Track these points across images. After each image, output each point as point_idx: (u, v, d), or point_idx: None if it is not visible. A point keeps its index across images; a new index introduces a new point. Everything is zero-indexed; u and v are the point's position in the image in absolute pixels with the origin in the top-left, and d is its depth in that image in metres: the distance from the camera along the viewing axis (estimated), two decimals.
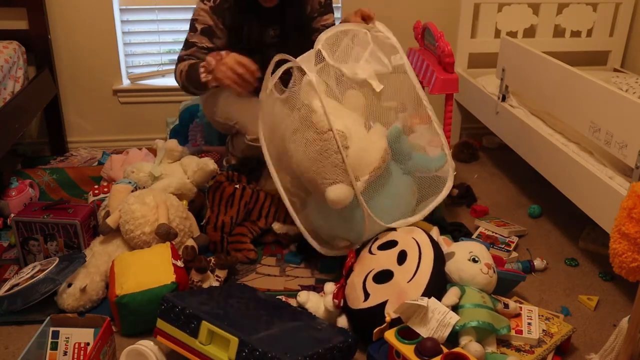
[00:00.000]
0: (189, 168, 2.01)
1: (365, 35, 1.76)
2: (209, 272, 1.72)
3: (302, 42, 2.08)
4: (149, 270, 1.57)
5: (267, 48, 2.07)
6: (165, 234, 1.67)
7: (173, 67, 2.74)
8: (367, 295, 1.47)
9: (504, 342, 1.46)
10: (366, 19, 1.90)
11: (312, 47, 1.75)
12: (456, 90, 1.91)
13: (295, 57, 1.68)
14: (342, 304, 1.52)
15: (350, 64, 1.70)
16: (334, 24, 2.12)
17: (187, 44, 2.03)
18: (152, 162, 2.17)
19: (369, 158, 1.60)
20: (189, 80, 1.96)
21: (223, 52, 1.86)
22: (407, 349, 1.27)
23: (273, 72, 1.78)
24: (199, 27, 2.00)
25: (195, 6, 2.03)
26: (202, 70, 1.88)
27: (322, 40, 1.71)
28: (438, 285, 1.44)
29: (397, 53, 1.76)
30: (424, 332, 1.31)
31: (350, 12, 1.96)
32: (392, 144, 1.68)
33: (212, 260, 1.76)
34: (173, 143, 2.13)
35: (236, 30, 2.03)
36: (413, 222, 1.67)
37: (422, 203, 1.77)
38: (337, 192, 1.55)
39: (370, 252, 1.59)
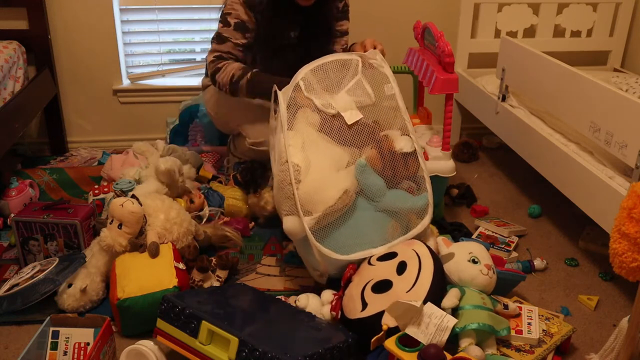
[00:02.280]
0: (157, 171, 2.02)
1: (357, 64, 1.72)
2: (210, 272, 1.72)
3: (321, 45, 2.08)
4: (151, 273, 1.57)
5: (286, 49, 2.05)
6: (154, 252, 1.65)
7: (172, 67, 2.76)
8: (365, 305, 1.46)
9: (504, 342, 1.46)
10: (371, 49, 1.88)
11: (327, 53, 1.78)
12: (456, 90, 1.91)
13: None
14: (339, 316, 1.52)
15: (327, 95, 1.67)
16: (347, 32, 2.14)
17: (221, 38, 1.97)
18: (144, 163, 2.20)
19: (325, 195, 1.57)
20: (254, 87, 1.92)
21: None
22: (410, 357, 1.26)
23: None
24: (232, 21, 1.96)
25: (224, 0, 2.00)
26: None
27: (303, 72, 1.68)
28: (437, 296, 1.42)
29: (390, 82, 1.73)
30: (422, 337, 1.30)
31: (358, 41, 1.95)
32: (359, 180, 1.63)
33: (213, 260, 1.76)
34: (143, 145, 2.22)
35: (263, 28, 1.99)
36: (377, 253, 1.59)
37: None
38: (289, 223, 1.57)
39: (369, 263, 1.58)
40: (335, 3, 2.08)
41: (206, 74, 2.20)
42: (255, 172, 2.04)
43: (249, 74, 1.93)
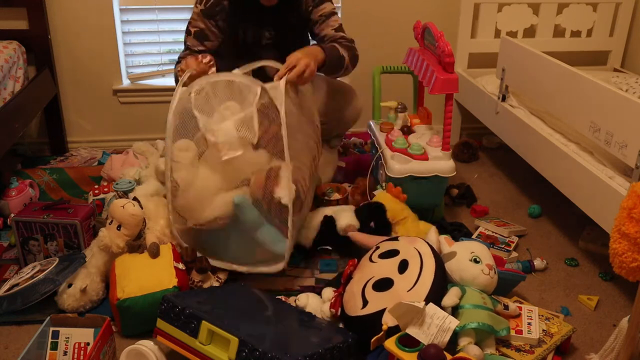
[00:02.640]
0: (157, 171, 2.02)
1: (255, 95, 1.60)
2: (209, 272, 1.72)
3: (298, 42, 2.09)
4: (151, 273, 1.57)
5: (262, 50, 2.07)
6: (155, 252, 1.65)
7: (173, 67, 2.77)
8: (365, 303, 1.46)
9: (503, 342, 1.46)
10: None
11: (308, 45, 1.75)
12: (456, 90, 1.91)
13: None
14: (339, 313, 1.52)
15: (213, 119, 1.61)
16: (334, 13, 2.10)
17: (185, 46, 2.08)
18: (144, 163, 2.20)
19: (197, 215, 1.65)
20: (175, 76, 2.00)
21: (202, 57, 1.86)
22: (410, 357, 1.26)
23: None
24: (192, 30, 2.04)
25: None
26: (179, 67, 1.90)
27: (201, 82, 1.64)
28: (438, 296, 1.43)
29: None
30: (423, 338, 1.30)
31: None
32: (236, 213, 1.64)
33: None
34: (143, 145, 2.24)
35: (231, 32, 2.04)
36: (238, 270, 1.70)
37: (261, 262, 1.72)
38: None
39: (370, 260, 1.58)
40: None
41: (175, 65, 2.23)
42: None
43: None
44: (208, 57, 1.85)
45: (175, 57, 2.75)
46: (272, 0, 1.97)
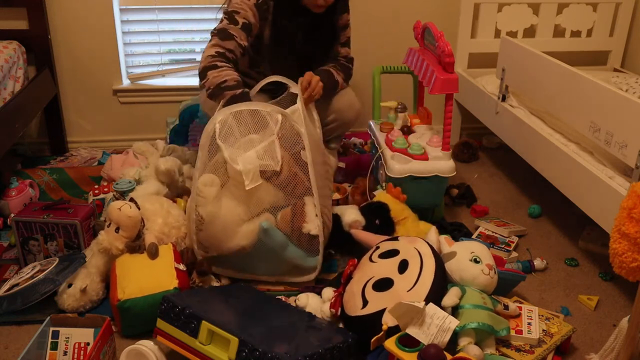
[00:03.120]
0: (157, 171, 2.02)
1: (277, 122, 1.63)
2: (210, 275, 1.72)
3: (327, 49, 2.12)
4: (151, 274, 1.56)
5: (290, 51, 2.05)
6: (154, 252, 1.65)
7: (172, 67, 2.76)
8: (365, 303, 1.46)
9: (503, 342, 1.46)
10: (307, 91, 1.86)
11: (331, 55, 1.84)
12: (456, 90, 1.91)
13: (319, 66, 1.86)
14: (339, 313, 1.52)
15: (237, 149, 1.64)
16: (347, 26, 2.15)
17: (226, 34, 1.85)
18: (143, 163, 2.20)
19: (222, 247, 1.68)
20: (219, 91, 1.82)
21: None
22: (410, 357, 1.26)
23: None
24: (240, 20, 1.86)
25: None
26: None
27: (223, 114, 1.63)
28: (438, 296, 1.42)
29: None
30: (423, 338, 1.30)
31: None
32: (261, 239, 1.67)
33: None
34: (143, 145, 2.24)
35: (272, 31, 1.98)
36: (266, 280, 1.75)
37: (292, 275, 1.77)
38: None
39: (370, 260, 1.58)
40: (344, 16, 2.09)
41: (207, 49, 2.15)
42: None
43: (239, 91, 1.78)
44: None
45: (175, 57, 2.78)
46: (321, 7, 1.91)
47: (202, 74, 1.84)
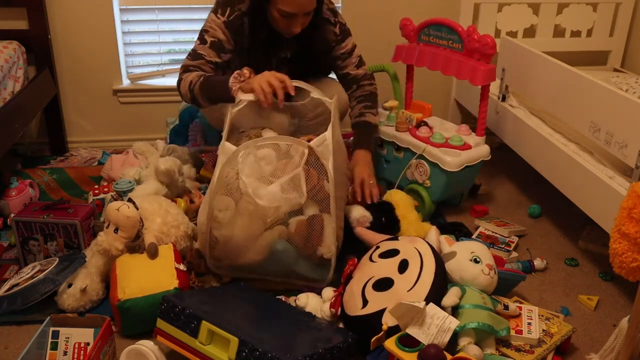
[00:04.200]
0: (157, 171, 2.02)
1: (302, 155, 1.60)
2: (210, 274, 1.72)
3: (319, 65, 2.13)
4: (152, 274, 1.56)
5: (279, 65, 2.05)
6: (153, 252, 1.65)
7: (172, 67, 2.77)
8: (365, 302, 1.46)
9: (503, 342, 1.46)
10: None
11: (325, 75, 1.88)
12: (494, 79, 2.06)
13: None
14: (339, 313, 1.52)
15: (259, 180, 1.60)
16: (354, 48, 2.14)
17: (195, 55, 1.98)
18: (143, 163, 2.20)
19: (236, 260, 1.68)
20: (206, 89, 1.90)
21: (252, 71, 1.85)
22: (410, 357, 1.26)
23: None
24: (208, 39, 1.96)
25: (207, 17, 2.00)
26: (233, 78, 1.83)
27: (247, 147, 1.58)
28: (438, 296, 1.43)
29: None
30: (423, 338, 1.30)
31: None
32: (275, 255, 1.67)
33: None
34: (143, 145, 2.24)
35: (247, 50, 2.00)
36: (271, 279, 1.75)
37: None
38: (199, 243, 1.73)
39: (370, 259, 1.58)
40: (328, 28, 2.06)
41: (180, 74, 2.18)
42: None
43: (202, 78, 1.90)
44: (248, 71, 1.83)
45: (175, 57, 2.78)
46: (294, 34, 1.92)
47: (180, 94, 2.01)
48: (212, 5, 2.00)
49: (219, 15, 1.96)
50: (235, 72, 1.84)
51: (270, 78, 1.76)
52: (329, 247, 1.66)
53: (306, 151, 1.59)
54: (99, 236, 1.66)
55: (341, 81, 2.19)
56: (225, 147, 1.60)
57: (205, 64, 1.97)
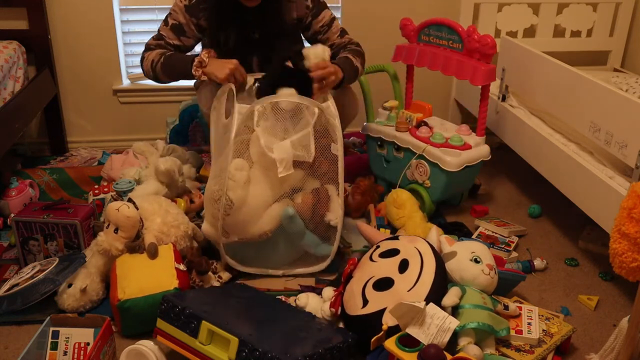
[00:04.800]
0: (157, 171, 2.02)
1: (313, 115, 1.69)
2: (210, 273, 1.72)
3: (291, 42, 2.10)
4: (152, 274, 1.56)
5: (250, 49, 2.05)
6: (153, 252, 1.65)
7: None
8: (365, 302, 1.46)
9: (503, 342, 1.46)
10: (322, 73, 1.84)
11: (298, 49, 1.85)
12: (494, 79, 2.06)
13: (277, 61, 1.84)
14: (339, 312, 1.52)
15: (272, 136, 1.68)
16: (333, 19, 2.10)
17: (157, 35, 2.05)
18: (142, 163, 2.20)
19: (247, 231, 1.72)
20: (167, 68, 1.97)
21: (212, 51, 1.91)
22: (410, 357, 1.26)
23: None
24: (170, 21, 2.02)
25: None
26: (195, 63, 1.89)
27: (262, 102, 1.67)
28: (438, 295, 1.43)
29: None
30: (423, 337, 1.30)
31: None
32: (284, 225, 1.72)
33: (214, 262, 1.76)
34: (143, 145, 2.24)
35: (215, 32, 2.02)
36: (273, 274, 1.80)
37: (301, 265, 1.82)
38: (207, 229, 1.76)
39: (371, 259, 1.59)
40: (298, 0, 2.05)
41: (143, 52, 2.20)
42: None
43: (162, 58, 1.97)
44: (212, 52, 1.89)
45: None
46: (254, 1, 1.93)
47: (143, 72, 2.06)
48: None
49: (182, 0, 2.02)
50: (196, 60, 1.89)
51: (227, 66, 1.83)
52: (335, 212, 1.74)
53: (317, 111, 1.69)
54: (99, 236, 1.66)
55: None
56: (239, 108, 1.68)
57: (165, 44, 2.03)
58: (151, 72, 2.01)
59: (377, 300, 1.44)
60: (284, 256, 1.79)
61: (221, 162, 1.72)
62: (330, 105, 1.79)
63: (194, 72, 1.90)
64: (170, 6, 2.03)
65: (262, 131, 1.65)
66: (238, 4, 1.94)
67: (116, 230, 1.65)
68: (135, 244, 1.65)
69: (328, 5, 2.12)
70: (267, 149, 1.64)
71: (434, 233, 1.64)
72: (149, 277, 1.55)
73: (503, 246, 1.94)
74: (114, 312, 1.52)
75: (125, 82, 2.72)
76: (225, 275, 1.76)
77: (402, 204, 1.99)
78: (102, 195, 2.03)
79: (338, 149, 1.73)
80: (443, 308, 1.39)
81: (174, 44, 2.03)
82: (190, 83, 2.71)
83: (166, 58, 1.97)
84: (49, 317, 1.44)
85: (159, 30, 2.05)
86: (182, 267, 1.61)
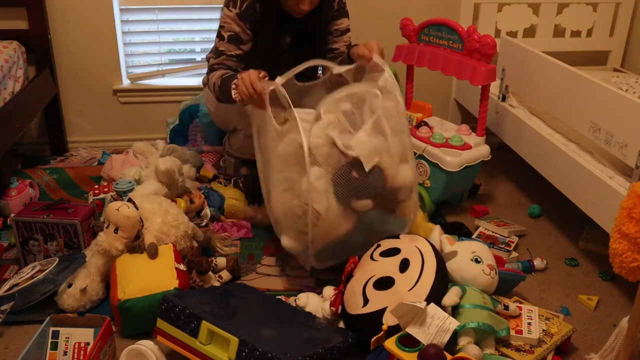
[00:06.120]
0: (157, 171, 2.02)
1: (376, 99, 1.62)
2: (210, 273, 1.72)
3: (314, 49, 2.09)
4: (152, 274, 1.56)
5: (279, 55, 2.06)
6: (153, 252, 1.65)
7: (172, 67, 2.77)
8: (366, 301, 1.46)
9: (503, 342, 1.46)
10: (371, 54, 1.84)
11: (322, 53, 1.86)
12: (494, 79, 2.06)
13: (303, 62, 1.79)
14: (339, 311, 1.52)
15: (346, 133, 1.59)
16: (348, 30, 2.13)
17: (217, 52, 2.01)
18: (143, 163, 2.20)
19: (331, 234, 1.64)
20: (223, 93, 1.91)
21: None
22: (410, 357, 1.26)
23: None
24: (225, 35, 1.98)
25: (221, 12, 2.00)
26: (233, 87, 1.83)
27: (326, 103, 1.58)
28: (438, 295, 1.43)
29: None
30: (423, 337, 1.30)
31: (361, 43, 1.91)
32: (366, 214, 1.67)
33: (214, 260, 1.76)
34: (143, 145, 2.24)
35: (256, 36, 2.01)
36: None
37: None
38: (289, 244, 1.67)
39: (371, 258, 1.59)
40: (329, 3, 2.07)
41: (207, 73, 2.20)
42: (257, 184, 2.01)
43: (219, 81, 1.92)
44: (262, 73, 1.75)
45: (175, 57, 2.78)
46: (303, 12, 1.93)
47: (212, 92, 2.01)
48: (212, 5, 2.01)
49: (231, 9, 1.97)
50: (233, 83, 1.83)
51: (246, 84, 1.72)
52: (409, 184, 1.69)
53: (379, 92, 1.63)
54: (99, 236, 1.66)
55: (327, 57, 2.11)
56: (296, 113, 1.57)
57: (227, 59, 1.99)
58: (216, 96, 1.96)
59: (378, 300, 1.44)
60: (365, 241, 1.70)
61: (289, 174, 1.62)
62: (388, 76, 1.73)
63: (233, 96, 1.82)
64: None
65: (335, 133, 1.57)
66: (284, 13, 1.95)
67: (116, 230, 1.65)
68: (135, 244, 1.65)
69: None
70: (345, 148, 1.57)
71: (437, 233, 1.64)
72: (149, 277, 1.55)
73: (503, 246, 1.94)
74: (114, 312, 1.52)
75: (125, 82, 2.72)
76: (226, 275, 1.76)
77: None
78: (102, 195, 2.03)
79: (404, 123, 1.67)
80: (443, 307, 1.39)
81: (236, 55, 1.99)
82: (191, 83, 2.73)
83: (222, 82, 1.91)
84: (49, 317, 1.44)
85: (216, 48, 2.01)
86: (182, 267, 1.61)
